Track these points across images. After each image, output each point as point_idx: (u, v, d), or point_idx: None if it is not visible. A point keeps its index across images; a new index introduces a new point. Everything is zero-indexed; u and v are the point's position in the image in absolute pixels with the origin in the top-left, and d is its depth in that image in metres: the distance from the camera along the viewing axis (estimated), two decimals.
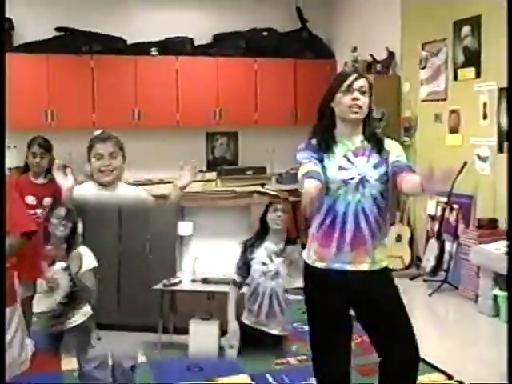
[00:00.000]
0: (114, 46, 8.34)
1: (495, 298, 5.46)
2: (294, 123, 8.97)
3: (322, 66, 9.05)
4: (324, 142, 2.92)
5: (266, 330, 4.04)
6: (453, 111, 6.68)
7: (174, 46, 8.62)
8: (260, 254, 4.02)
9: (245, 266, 4.01)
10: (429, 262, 6.47)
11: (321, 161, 2.86)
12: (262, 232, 4.04)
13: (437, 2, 6.84)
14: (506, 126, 5.88)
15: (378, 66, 7.79)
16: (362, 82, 2.89)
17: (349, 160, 2.90)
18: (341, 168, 2.87)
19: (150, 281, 3.82)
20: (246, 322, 4.01)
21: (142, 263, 3.57)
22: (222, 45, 8.84)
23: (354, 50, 8.23)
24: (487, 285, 5.54)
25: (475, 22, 6.28)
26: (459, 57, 6.58)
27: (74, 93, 8.06)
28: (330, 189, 2.85)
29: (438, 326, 5.76)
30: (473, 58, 6.36)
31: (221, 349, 2.82)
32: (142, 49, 8.49)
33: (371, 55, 7.88)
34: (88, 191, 3.35)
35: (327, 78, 8.94)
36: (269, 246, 4.01)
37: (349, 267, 2.90)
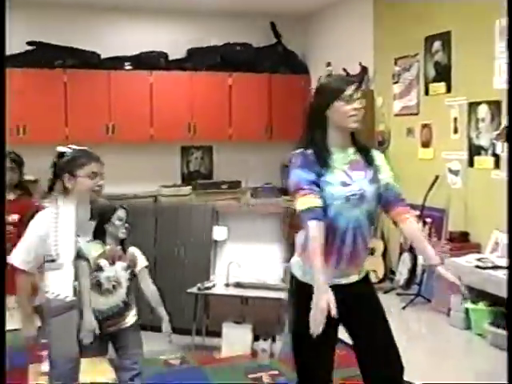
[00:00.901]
0: (87, 60, 8.32)
1: (467, 311, 5.49)
2: (269, 138, 9.01)
3: (297, 81, 9.11)
4: (321, 155, 2.80)
5: None
6: (425, 125, 6.74)
7: (149, 61, 8.62)
8: None
9: None
10: (402, 275, 6.49)
11: (318, 175, 2.76)
12: None
13: (409, 17, 6.92)
14: (473, 139, 5.96)
15: None
16: (360, 93, 2.82)
17: (349, 175, 2.82)
18: (344, 184, 2.78)
19: (184, 284, 3.85)
20: None
21: (177, 267, 3.63)
22: (197, 59, 8.85)
23: (328, 64, 8.28)
24: (459, 298, 5.57)
25: (445, 38, 6.35)
26: (430, 72, 6.65)
27: (47, 107, 8.02)
28: (329, 205, 2.75)
29: (411, 340, 5.78)
30: (443, 73, 6.43)
31: (253, 352, 2.83)
32: (115, 63, 8.48)
33: (344, 70, 7.94)
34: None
35: (301, 92, 9.03)
36: None
37: (343, 281, 2.86)
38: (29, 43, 8.07)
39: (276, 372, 4.75)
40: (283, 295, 3.36)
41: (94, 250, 3.41)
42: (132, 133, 8.33)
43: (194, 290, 4.21)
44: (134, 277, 3.51)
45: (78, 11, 8.38)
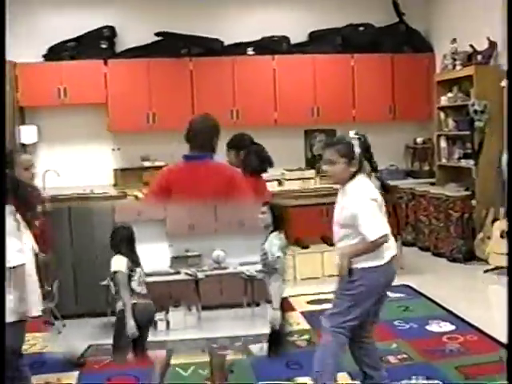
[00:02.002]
0: (211, 47, 8.51)
1: None
2: (393, 119, 8.87)
3: (420, 60, 8.91)
4: None
5: None
6: None
7: (271, 45, 8.69)
8: None
9: None
10: None
11: None
12: None
13: None
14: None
15: (479, 57, 7.57)
16: None
17: None
18: None
19: (98, 278, 4.60)
20: None
21: (92, 265, 4.30)
22: (318, 42, 8.84)
23: (454, 41, 8.04)
24: None
25: None
26: None
27: (174, 95, 8.28)
28: None
29: None
30: None
31: (155, 323, 3.75)
32: (238, 49, 8.62)
33: (471, 46, 7.67)
34: None
35: (425, 71, 8.81)
36: None
37: None
38: (156, 34, 8.33)
39: (404, 355, 4.72)
40: (171, 278, 4.10)
41: None
42: (256, 117, 8.44)
43: (105, 282, 4.78)
44: None
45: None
